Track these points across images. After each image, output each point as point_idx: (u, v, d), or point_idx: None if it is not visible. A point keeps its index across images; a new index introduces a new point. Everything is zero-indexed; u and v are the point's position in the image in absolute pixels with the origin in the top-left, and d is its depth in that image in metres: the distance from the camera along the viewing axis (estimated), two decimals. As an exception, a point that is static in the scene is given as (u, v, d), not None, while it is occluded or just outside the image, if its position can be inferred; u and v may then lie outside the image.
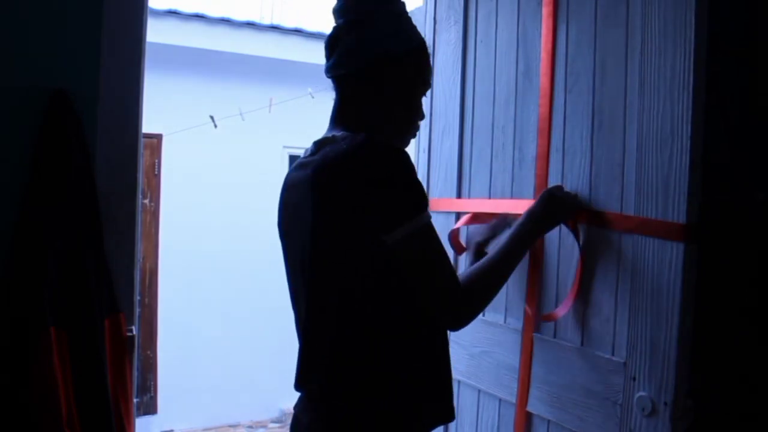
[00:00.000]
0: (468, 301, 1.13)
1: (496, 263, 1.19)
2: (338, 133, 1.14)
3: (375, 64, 1.14)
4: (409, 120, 1.22)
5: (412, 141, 1.28)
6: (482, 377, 1.60)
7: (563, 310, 1.35)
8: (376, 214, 1.04)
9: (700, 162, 1.10)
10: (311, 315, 1.17)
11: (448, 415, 1.20)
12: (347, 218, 1.06)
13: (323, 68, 1.21)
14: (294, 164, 1.22)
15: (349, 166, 1.05)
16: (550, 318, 1.39)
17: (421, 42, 1.20)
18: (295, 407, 1.23)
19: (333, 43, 1.18)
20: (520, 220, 1.28)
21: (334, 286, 1.12)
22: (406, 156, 1.06)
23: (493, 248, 1.25)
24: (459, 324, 1.16)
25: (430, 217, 1.08)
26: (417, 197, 1.06)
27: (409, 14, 1.21)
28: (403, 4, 1.21)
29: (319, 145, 1.16)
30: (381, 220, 1.04)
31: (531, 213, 1.28)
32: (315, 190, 1.09)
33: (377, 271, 1.08)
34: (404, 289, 1.09)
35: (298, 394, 1.24)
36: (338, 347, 1.13)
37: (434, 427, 1.19)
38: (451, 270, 1.11)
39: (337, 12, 1.19)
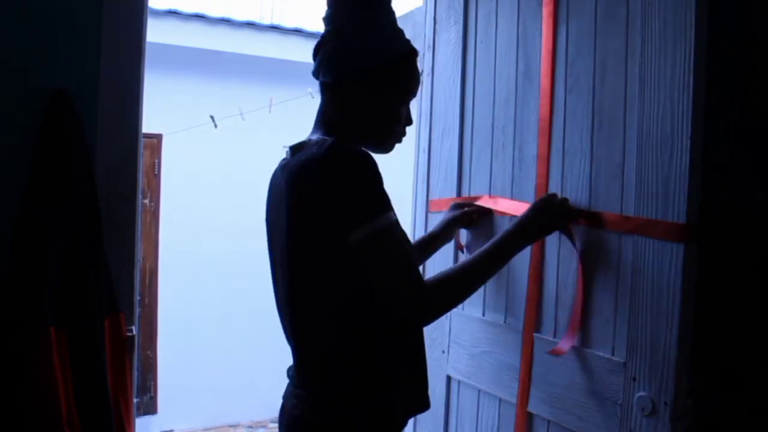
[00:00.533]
0: (435, 299, 1.13)
1: (476, 265, 1.19)
2: (314, 137, 1.19)
3: (350, 76, 1.18)
4: (389, 128, 1.24)
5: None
6: (482, 377, 1.60)
7: (569, 343, 1.31)
8: (339, 215, 1.07)
9: (700, 162, 1.10)
10: (297, 313, 1.20)
11: (425, 404, 1.26)
12: (316, 221, 1.10)
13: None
14: (277, 166, 1.26)
15: (315, 170, 1.09)
16: (556, 352, 1.33)
17: (403, 53, 1.20)
18: (284, 396, 1.25)
19: (317, 49, 1.22)
20: (509, 226, 1.28)
21: (313, 288, 1.15)
22: (370, 159, 1.09)
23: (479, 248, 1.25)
24: (422, 323, 1.18)
25: (393, 218, 1.10)
26: (378, 199, 1.09)
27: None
28: (387, 14, 1.21)
29: (294, 150, 1.20)
30: (344, 221, 1.07)
31: (520, 221, 1.27)
32: (289, 192, 1.14)
33: (348, 274, 1.11)
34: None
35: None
36: (326, 347, 1.16)
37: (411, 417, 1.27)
38: (414, 273, 1.11)
39: (325, 20, 1.22)
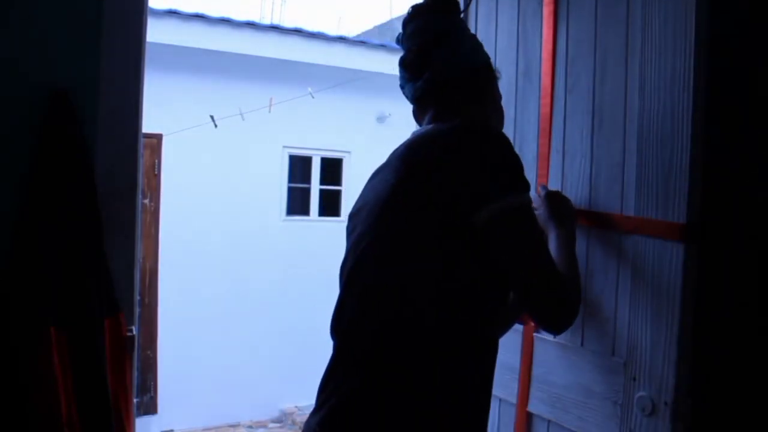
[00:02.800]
0: (572, 295, 1.09)
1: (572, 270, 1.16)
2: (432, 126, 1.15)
3: (476, 69, 1.19)
4: (502, 111, 1.26)
5: None
6: (482, 377, 1.60)
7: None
8: (467, 188, 0.98)
9: (701, 161, 1.10)
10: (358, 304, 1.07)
11: None
12: (433, 193, 1.00)
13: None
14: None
15: (447, 141, 1.04)
16: (525, 321, 1.39)
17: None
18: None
19: (423, 59, 1.17)
20: (557, 235, 1.24)
21: (393, 270, 1.03)
22: (507, 138, 1.06)
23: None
24: (561, 320, 1.07)
25: (530, 201, 1.04)
26: (516, 176, 1.02)
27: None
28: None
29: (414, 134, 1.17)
30: (472, 196, 0.98)
31: (565, 228, 1.24)
32: (404, 161, 1.07)
33: (454, 257, 0.99)
34: (475, 292, 1.02)
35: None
36: (379, 347, 1.02)
37: None
38: (552, 259, 1.05)
39: (413, 34, 1.19)
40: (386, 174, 1.11)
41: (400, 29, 1.25)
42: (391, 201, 1.06)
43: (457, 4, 1.25)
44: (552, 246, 1.20)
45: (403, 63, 1.21)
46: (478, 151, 1.01)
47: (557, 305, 1.05)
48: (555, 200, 1.29)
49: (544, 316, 1.06)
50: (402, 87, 1.24)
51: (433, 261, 1.00)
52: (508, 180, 1.01)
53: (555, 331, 1.10)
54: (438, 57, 1.16)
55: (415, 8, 1.21)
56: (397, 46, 1.26)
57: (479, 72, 1.20)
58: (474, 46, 1.21)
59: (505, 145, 1.04)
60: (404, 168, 1.06)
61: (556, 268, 1.05)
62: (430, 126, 1.15)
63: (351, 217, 1.19)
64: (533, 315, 1.08)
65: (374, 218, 1.08)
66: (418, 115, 1.23)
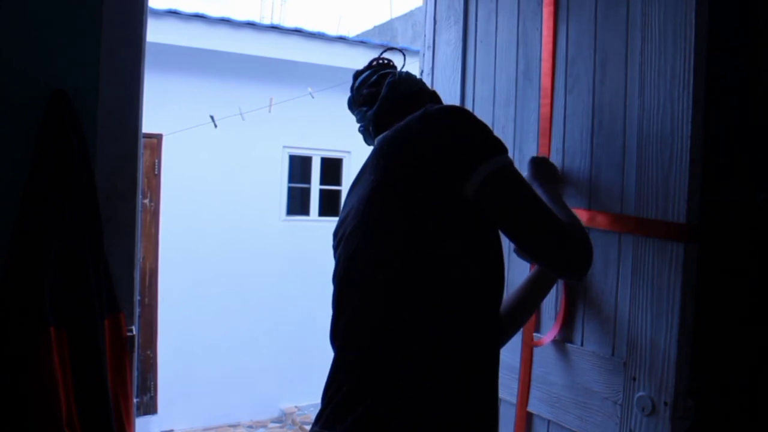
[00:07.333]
0: (578, 231, 1.07)
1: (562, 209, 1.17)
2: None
3: (420, 87, 1.27)
4: None
5: None
6: (482, 377, 1.60)
7: (551, 336, 1.37)
8: (450, 163, 0.99)
9: (700, 162, 1.10)
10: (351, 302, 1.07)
11: None
12: (418, 178, 1.01)
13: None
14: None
15: (415, 127, 1.05)
16: (538, 343, 1.41)
17: None
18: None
19: (374, 91, 1.26)
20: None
21: (386, 265, 1.02)
22: (467, 109, 1.11)
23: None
24: (577, 258, 1.06)
25: (512, 161, 1.05)
26: (492, 140, 1.04)
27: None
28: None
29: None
30: (457, 168, 0.99)
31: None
32: (381, 158, 1.08)
33: (446, 243, 1.00)
34: (469, 286, 1.01)
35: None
36: (375, 346, 1.00)
37: None
38: (548, 206, 1.05)
39: (361, 84, 1.30)
40: (365, 178, 1.11)
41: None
42: (375, 198, 1.05)
43: (391, 62, 1.34)
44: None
45: (359, 104, 1.29)
46: (449, 126, 1.03)
47: (566, 244, 1.04)
48: (538, 163, 1.33)
49: (560, 261, 1.06)
50: (361, 121, 1.28)
51: (427, 251, 1.00)
52: (486, 145, 1.03)
53: (575, 271, 1.08)
54: (386, 85, 1.24)
55: (358, 71, 1.34)
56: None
57: (424, 89, 1.27)
58: (412, 75, 1.29)
59: (469, 114, 1.07)
60: (383, 163, 1.07)
61: (554, 214, 1.05)
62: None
63: (335, 232, 1.19)
64: (551, 266, 1.09)
65: (360, 218, 1.07)
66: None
